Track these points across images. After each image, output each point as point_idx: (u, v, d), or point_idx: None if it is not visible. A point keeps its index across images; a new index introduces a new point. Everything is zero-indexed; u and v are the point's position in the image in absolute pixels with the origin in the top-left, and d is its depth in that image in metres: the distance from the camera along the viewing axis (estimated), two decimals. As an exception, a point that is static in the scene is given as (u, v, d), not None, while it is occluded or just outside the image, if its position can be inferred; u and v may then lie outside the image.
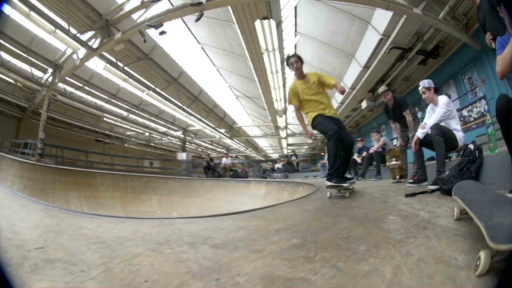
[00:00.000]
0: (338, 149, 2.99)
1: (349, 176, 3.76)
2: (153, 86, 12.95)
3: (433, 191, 2.80)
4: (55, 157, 11.62)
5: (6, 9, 7.91)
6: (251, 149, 29.61)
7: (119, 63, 11.02)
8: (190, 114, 16.02)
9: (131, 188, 7.95)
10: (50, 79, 12.00)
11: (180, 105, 15.05)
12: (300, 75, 3.31)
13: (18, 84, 12.51)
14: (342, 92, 3.15)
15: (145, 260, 1.21)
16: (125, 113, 17.10)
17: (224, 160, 14.71)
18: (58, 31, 8.45)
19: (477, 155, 2.68)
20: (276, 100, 12.89)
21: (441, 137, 3.16)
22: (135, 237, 1.65)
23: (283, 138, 19.96)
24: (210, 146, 26.92)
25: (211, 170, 13.57)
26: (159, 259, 1.23)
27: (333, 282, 0.98)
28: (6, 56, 10.92)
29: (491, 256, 0.94)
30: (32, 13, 7.78)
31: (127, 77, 11.66)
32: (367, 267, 1.08)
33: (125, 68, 11.53)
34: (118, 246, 1.42)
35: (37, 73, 12.10)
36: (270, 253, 1.28)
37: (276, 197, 6.48)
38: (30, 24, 8.95)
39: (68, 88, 13.74)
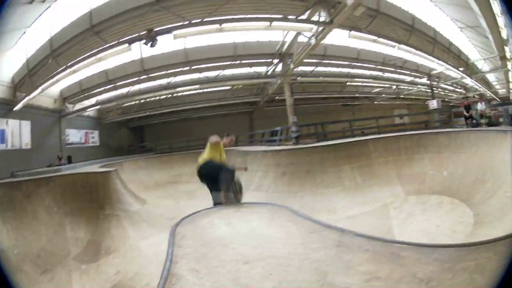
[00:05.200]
0: None
1: None
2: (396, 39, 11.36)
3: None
4: (314, 135, 11.41)
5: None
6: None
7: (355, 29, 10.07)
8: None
9: (404, 149, 7.27)
10: (279, 69, 13.02)
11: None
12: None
13: (234, 87, 14.96)
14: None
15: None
16: (369, 73, 16.40)
17: (480, 105, 11.47)
18: (274, 23, 8.76)
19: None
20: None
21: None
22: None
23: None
24: (450, 88, 20.70)
25: (469, 118, 10.62)
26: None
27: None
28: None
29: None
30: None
31: (375, 38, 10.42)
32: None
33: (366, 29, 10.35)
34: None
35: (259, 69, 13.61)
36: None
37: None
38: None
39: (302, 68, 13.96)
